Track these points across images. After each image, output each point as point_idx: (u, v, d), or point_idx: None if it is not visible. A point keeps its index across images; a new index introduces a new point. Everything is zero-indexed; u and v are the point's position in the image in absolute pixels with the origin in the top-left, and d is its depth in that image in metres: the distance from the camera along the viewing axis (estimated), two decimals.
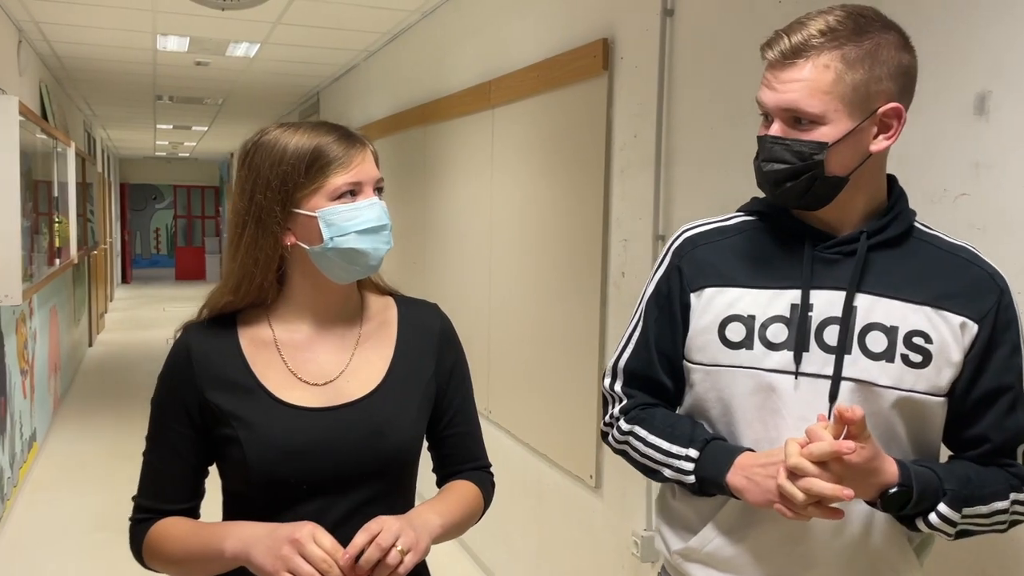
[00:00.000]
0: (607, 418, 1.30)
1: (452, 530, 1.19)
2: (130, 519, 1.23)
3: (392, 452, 1.19)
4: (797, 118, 1.09)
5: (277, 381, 1.18)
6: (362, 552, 1.03)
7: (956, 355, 1.10)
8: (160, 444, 1.20)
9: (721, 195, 2.08)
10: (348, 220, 1.14)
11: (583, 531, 2.76)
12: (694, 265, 1.22)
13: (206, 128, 10.19)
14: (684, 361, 1.24)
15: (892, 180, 1.20)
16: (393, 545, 1.03)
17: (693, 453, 1.15)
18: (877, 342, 1.10)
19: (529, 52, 3.06)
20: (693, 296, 1.21)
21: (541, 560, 3.06)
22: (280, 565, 1.01)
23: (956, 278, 1.12)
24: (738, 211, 1.27)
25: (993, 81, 1.42)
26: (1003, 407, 1.11)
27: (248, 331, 1.21)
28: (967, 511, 1.07)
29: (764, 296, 1.16)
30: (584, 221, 2.67)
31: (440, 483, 1.32)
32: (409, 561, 1.05)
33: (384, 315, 1.28)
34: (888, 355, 1.10)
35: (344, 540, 1.04)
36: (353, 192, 1.15)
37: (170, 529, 1.18)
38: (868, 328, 1.11)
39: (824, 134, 1.08)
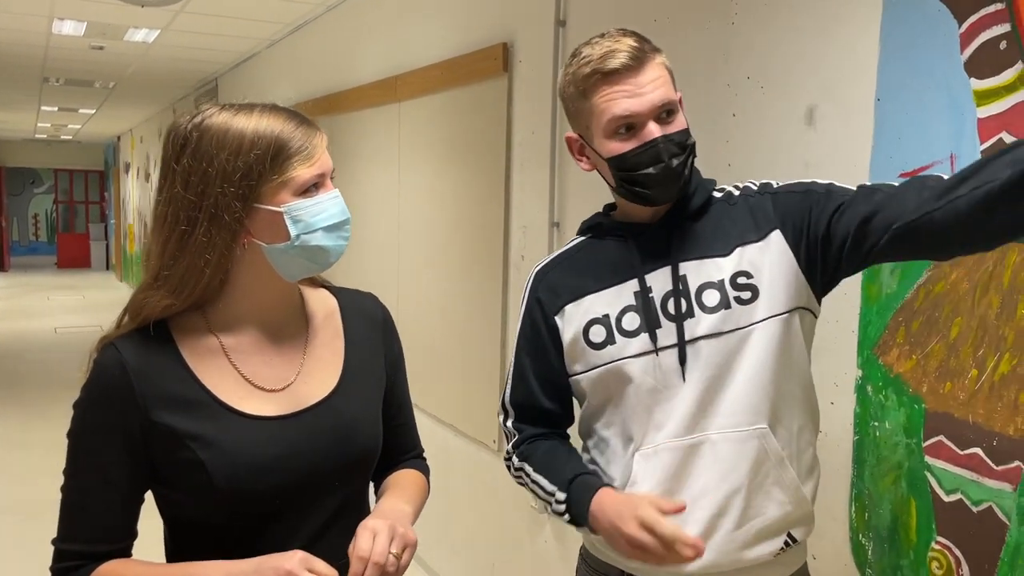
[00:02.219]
0: (505, 453, 1.42)
1: (415, 519, 1.16)
2: (52, 569, 1.07)
3: (361, 452, 1.14)
4: (666, 112, 1.22)
5: (231, 391, 1.07)
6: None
7: (788, 261, 1.23)
8: (88, 476, 1.04)
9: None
10: (314, 216, 1.05)
11: (487, 492, 3.04)
12: (550, 291, 1.34)
13: (93, 111, 9.88)
14: (569, 379, 1.34)
15: None
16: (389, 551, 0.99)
17: (561, 496, 1.28)
18: (711, 297, 1.24)
19: (434, 51, 3.28)
20: (557, 319, 1.33)
21: (447, 521, 3.32)
22: None
23: (741, 216, 1.28)
24: (575, 236, 1.41)
25: (820, 97, 1.76)
26: (855, 206, 1.18)
27: (187, 339, 1.07)
28: None
29: (609, 294, 1.29)
30: (487, 209, 2.93)
31: (382, 474, 1.26)
32: (406, 558, 1.02)
33: (325, 308, 1.20)
34: (724, 303, 1.23)
35: (323, 553, 0.99)
36: (317, 185, 1.07)
37: (122, 573, 1.03)
38: (702, 288, 1.25)
39: (681, 121, 1.25)
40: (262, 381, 1.09)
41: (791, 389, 1.28)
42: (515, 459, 1.39)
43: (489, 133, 2.91)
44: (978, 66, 1.43)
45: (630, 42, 1.22)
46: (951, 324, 1.49)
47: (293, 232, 1.04)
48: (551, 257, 1.42)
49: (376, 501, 1.19)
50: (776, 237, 1.25)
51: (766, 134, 1.87)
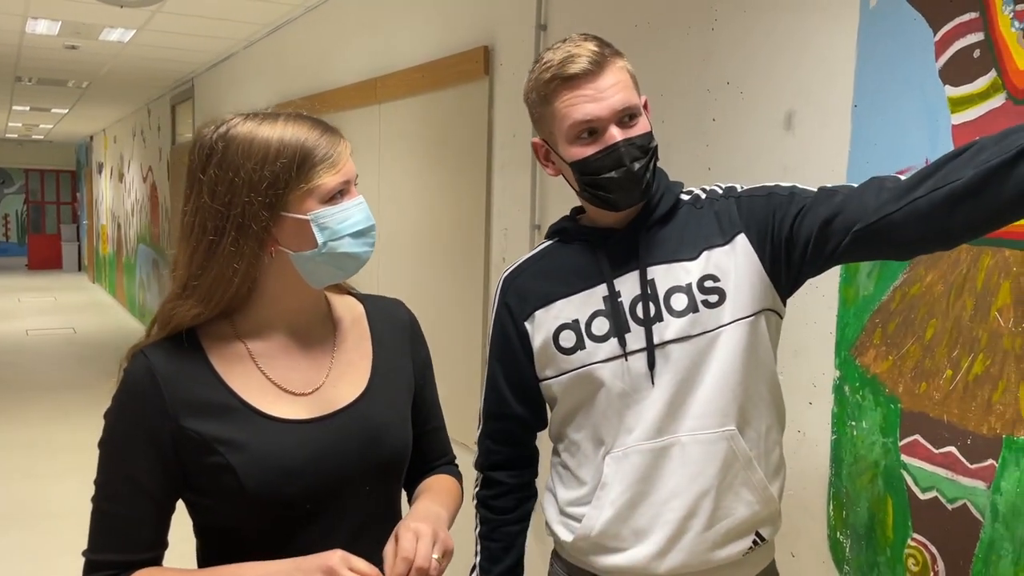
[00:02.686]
0: (475, 478, 1.49)
1: (451, 524, 1.15)
2: None
3: (391, 455, 1.15)
4: (628, 116, 1.22)
5: (260, 396, 1.08)
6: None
7: (753, 264, 1.25)
8: (122, 486, 1.05)
9: None
10: (341, 223, 1.07)
11: (467, 490, 3.04)
12: (518, 297, 1.35)
13: (66, 111, 9.76)
14: (539, 383, 1.36)
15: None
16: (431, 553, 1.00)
17: None
18: (679, 301, 1.25)
19: (415, 53, 3.29)
20: (527, 324, 1.34)
21: None
22: None
23: (707, 220, 1.29)
24: (543, 240, 1.42)
25: (798, 102, 1.79)
26: (815, 208, 1.19)
27: (214, 345, 1.09)
28: None
29: (579, 299, 1.30)
30: (468, 212, 2.94)
31: (415, 480, 1.27)
32: (445, 564, 1.02)
33: (352, 313, 1.22)
34: (692, 307, 1.24)
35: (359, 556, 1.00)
36: (342, 192, 1.08)
37: None
38: (670, 292, 1.26)
39: (644, 124, 1.25)
40: (291, 385, 1.10)
41: (758, 390, 1.29)
42: (476, 501, 1.48)
43: (470, 136, 2.92)
44: (952, 74, 1.46)
45: (590, 47, 1.23)
46: (926, 325, 1.53)
47: (320, 239, 1.06)
48: (519, 262, 1.42)
49: (411, 506, 1.20)
50: (742, 241, 1.26)
51: (745, 138, 1.90)
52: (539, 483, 1.51)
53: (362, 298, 1.26)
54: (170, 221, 7.73)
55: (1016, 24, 1.35)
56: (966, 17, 1.44)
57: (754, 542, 1.31)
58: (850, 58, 1.66)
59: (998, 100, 1.39)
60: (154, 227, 8.50)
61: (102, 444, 1.06)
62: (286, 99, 4.67)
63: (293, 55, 4.70)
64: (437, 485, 1.24)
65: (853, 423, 1.68)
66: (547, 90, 1.24)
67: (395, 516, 1.16)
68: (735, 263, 1.26)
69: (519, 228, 2.69)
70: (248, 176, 1.03)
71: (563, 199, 2.54)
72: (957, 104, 1.46)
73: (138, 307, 9.42)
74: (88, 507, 1.08)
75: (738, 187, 1.34)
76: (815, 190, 1.25)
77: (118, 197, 11.37)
